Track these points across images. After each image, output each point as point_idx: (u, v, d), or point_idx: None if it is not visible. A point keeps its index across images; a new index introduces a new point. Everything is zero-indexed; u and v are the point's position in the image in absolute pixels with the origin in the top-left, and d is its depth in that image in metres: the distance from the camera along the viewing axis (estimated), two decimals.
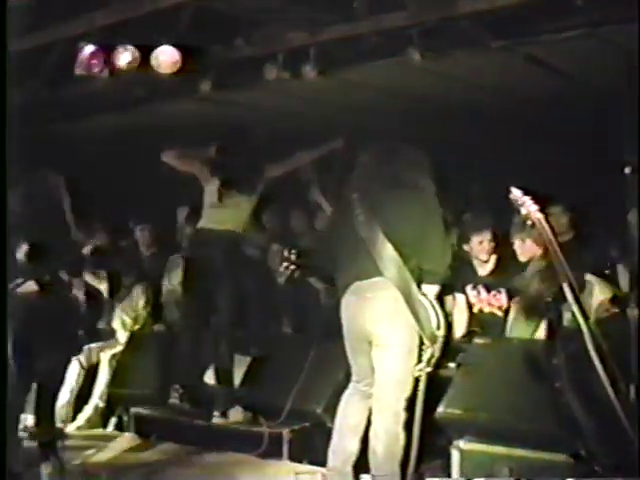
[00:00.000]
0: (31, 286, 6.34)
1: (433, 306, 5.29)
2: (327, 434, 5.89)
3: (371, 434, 5.40)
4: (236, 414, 7.35)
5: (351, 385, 5.64)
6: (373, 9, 7.20)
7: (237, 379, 7.63)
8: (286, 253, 5.70)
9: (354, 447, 5.53)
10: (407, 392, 5.36)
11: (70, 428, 7.87)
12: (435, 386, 5.62)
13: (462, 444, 5.98)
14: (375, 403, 5.41)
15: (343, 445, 5.55)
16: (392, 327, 5.29)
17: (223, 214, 7.48)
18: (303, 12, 7.59)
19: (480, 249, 7.24)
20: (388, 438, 5.33)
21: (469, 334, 6.96)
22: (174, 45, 7.91)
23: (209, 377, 7.61)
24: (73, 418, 8.09)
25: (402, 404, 5.35)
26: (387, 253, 5.23)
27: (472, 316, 7.10)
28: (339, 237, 5.57)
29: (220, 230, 7.44)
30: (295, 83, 7.96)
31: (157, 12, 7.44)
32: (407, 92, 8.40)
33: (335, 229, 5.70)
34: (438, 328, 5.32)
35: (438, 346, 5.32)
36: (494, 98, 8.29)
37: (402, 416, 5.34)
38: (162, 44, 7.91)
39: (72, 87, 8.94)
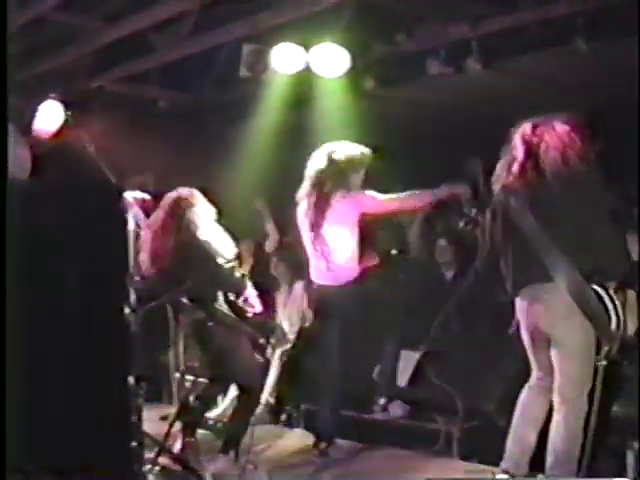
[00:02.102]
0: None
1: (606, 304, 5.15)
2: (498, 433, 5.80)
3: (552, 429, 5.31)
4: (396, 408, 7.34)
5: (532, 378, 5.56)
6: None
7: (406, 375, 7.61)
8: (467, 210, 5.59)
9: (533, 439, 5.44)
10: (588, 387, 5.24)
11: None
12: (610, 384, 5.48)
13: (637, 445, 5.81)
14: (556, 398, 5.31)
15: (522, 436, 5.47)
16: (567, 329, 5.18)
17: None
18: (464, 5, 7.52)
19: None
20: (569, 435, 5.22)
21: None
22: (337, 43, 7.98)
23: (376, 374, 7.62)
24: None
25: (584, 399, 5.24)
26: (555, 258, 5.10)
27: None
28: (504, 238, 5.44)
29: None
30: (459, 77, 7.89)
31: (319, 11, 7.49)
32: (574, 82, 8.19)
33: (500, 229, 5.54)
34: (614, 325, 5.19)
35: (615, 343, 5.19)
36: None
37: (584, 411, 5.23)
38: (325, 43, 7.99)
39: (238, 88, 9.13)
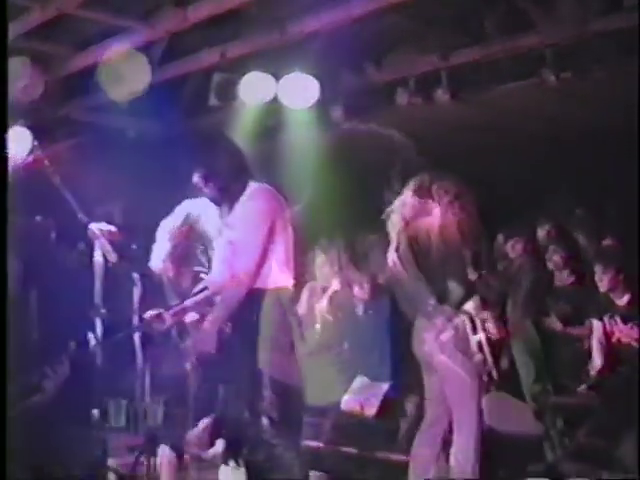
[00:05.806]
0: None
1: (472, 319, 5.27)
2: None
3: (452, 454, 5.32)
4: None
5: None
6: (505, 31, 7.11)
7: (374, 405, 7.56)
8: None
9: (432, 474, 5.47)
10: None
11: (206, 454, 7.90)
12: (575, 415, 5.50)
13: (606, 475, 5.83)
14: (455, 424, 5.33)
15: (424, 472, 5.47)
16: (453, 356, 5.26)
17: None
18: (434, 36, 7.55)
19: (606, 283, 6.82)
20: (465, 460, 5.24)
21: (609, 363, 6.70)
22: (305, 73, 7.98)
23: None
24: (211, 444, 8.13)
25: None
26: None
27: (611, 345, 6.76)
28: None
29: None
30: (427, 107, 7.90)
31: (289, 41, 7.49)
32: (542, 114, 8.22)
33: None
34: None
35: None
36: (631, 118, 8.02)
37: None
38: (295, 72, 7.99)
39: (207, 117, 9.10)
